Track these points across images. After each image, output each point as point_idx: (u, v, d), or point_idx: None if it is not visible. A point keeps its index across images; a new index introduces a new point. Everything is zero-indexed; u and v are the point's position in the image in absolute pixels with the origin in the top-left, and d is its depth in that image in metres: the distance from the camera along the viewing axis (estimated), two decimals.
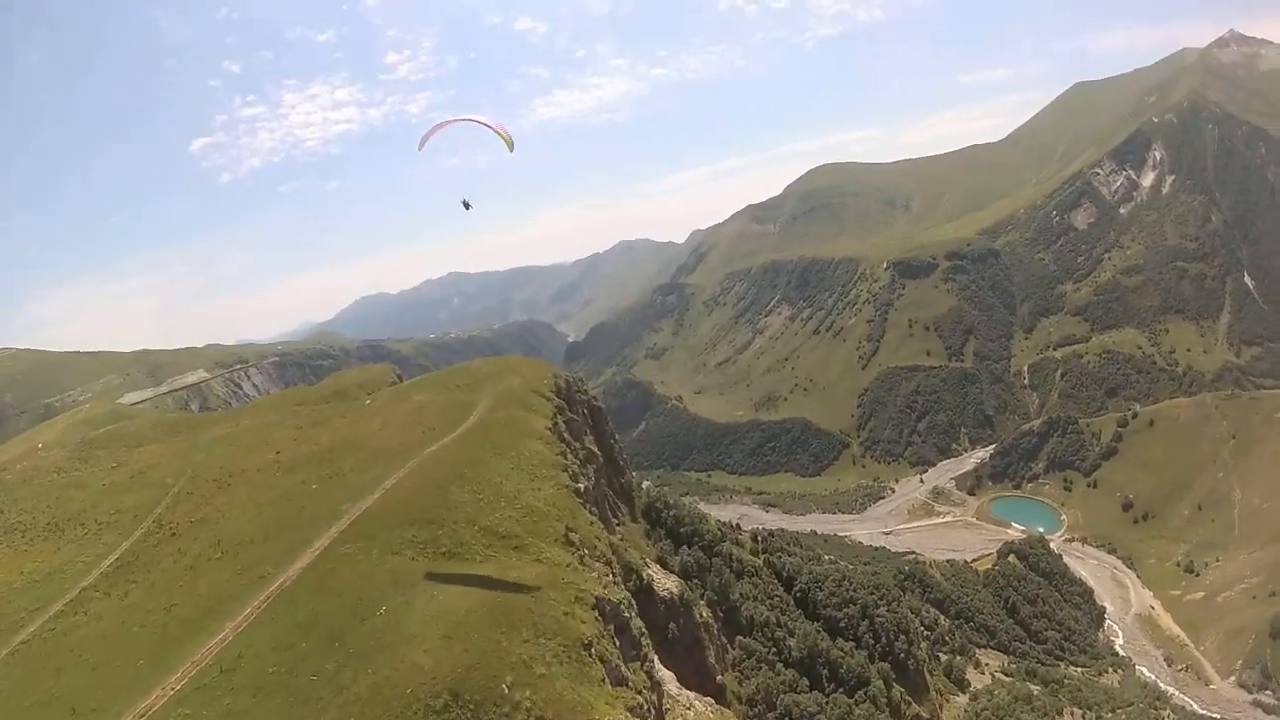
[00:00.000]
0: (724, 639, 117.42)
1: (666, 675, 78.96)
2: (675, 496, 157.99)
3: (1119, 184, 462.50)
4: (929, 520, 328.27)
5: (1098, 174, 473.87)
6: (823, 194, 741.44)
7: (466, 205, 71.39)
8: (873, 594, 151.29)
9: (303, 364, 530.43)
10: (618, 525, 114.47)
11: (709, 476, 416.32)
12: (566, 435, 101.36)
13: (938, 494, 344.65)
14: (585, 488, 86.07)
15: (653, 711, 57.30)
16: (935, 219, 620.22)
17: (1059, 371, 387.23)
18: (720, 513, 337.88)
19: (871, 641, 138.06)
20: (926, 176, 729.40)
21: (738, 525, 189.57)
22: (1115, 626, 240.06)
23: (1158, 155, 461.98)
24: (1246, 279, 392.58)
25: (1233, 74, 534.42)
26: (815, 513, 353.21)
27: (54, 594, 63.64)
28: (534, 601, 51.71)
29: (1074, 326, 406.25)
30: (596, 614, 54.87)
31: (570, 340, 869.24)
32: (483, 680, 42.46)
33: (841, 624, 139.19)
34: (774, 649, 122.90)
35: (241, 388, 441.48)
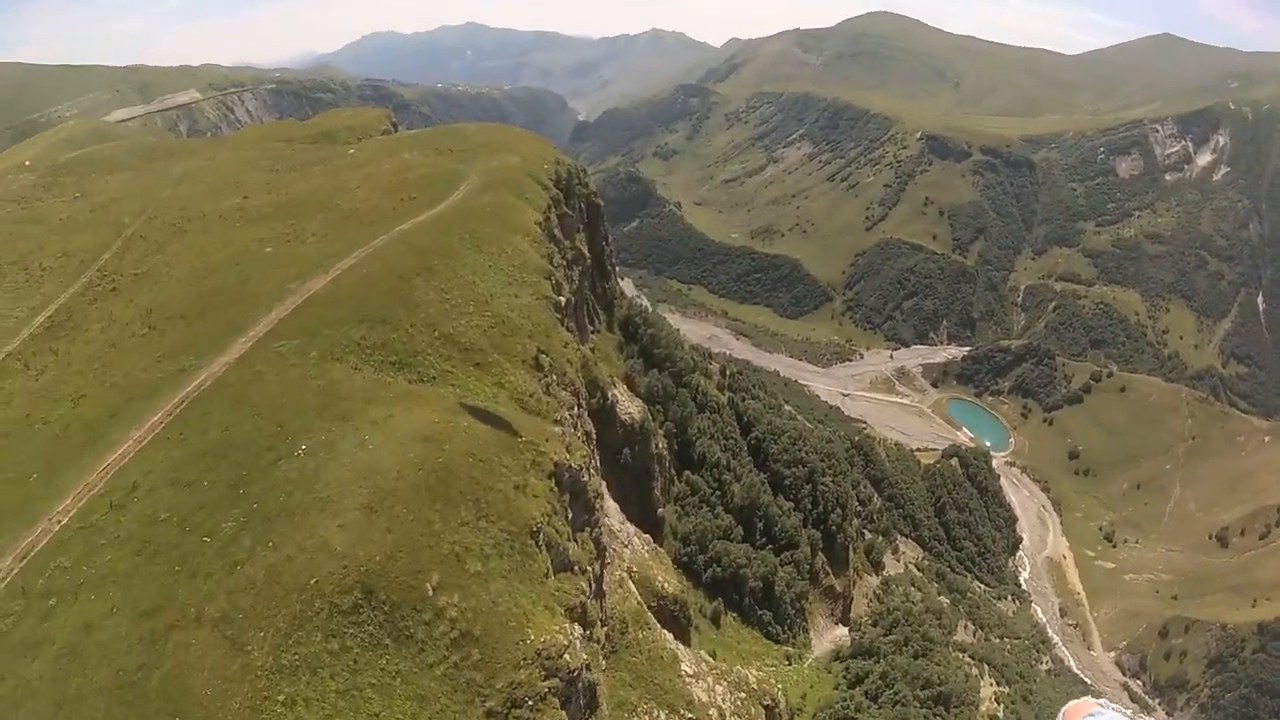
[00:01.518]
0: (673, 470, 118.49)
1: (612, 507, 78.34)
2: (656, 314, 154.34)
3: (1174, 151, 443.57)
4: (887, 396, 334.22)
5: (1156, 131, 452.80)
6: (874, 40, 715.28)
7: None
8: (823, 460, 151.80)
9: (300, 95, 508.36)
10: (593, 332, 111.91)
11: (689, 290, 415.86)
12: (557, 232, 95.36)
13: (902, 374, 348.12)
14: (567, 301, 79.81)
15: (593, 584, 53.90)
16: (980, 107, 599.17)
17: (1053, 303, 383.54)
18: (693, 329, 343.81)
19: (810, 506, 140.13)
20: (984, 61, 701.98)
21: (709, 353, 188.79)
22: (1026, 560, 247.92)
23: (1221, 141, 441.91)
24: (1260, 299, 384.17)
25: None
26: (783, 354, 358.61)
27: None
28: (481, 469, 45.03)
29: (1082, 267, 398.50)
30: (553, 483, 49.37)
31: (580, 119, 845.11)
32: (404, 576, 36.66)
33: (786, 482, 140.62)
34: (718, 491, 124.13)
35: (234, 112, 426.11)
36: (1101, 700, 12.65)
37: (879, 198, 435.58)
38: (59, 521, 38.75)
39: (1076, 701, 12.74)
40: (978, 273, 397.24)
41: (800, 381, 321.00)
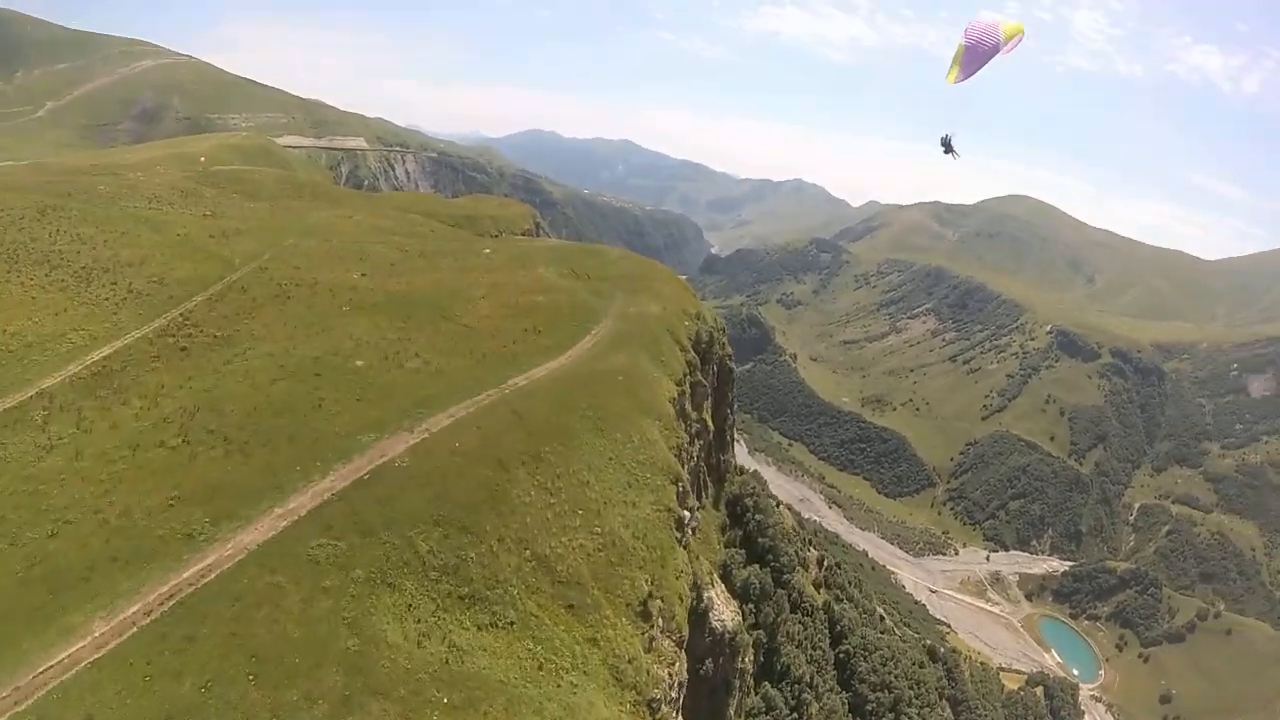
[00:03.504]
0: (751, 680, 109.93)
1: None
2: (766, 499, 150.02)
3: None
4: (977, 600, 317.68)
5: None
6: (1013, 223, 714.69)
7: (947, 147, 59.15)
8: (911, 688, 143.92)
9: (456, 169, 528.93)
10: (698, 509, 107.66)
11: (790, 445, 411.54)
12: (688, 406, 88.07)
13: (996, 580, 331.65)
14: (690, 518, 70.23)
15: None
16: (1112, 305, 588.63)
17: (1166, 527, 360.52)
18: (787, 487, 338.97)
19: None
20: (1120, 257, 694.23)
21: (809, 539, 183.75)
22: None
23: None
24: None
25: None
26: (875, 533, 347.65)
27: (10, 383, 54.05)
28: None
29: (1202, 490, 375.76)
30: None
31: (713, 251, 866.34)
32: None
33: (869, 707, 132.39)
34: (794, 709, 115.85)
35: (394, 169, 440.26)
36: None
37: (1000, 387, 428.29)
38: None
39: None
40: (1092, 483, 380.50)
41: (889, 568, 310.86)
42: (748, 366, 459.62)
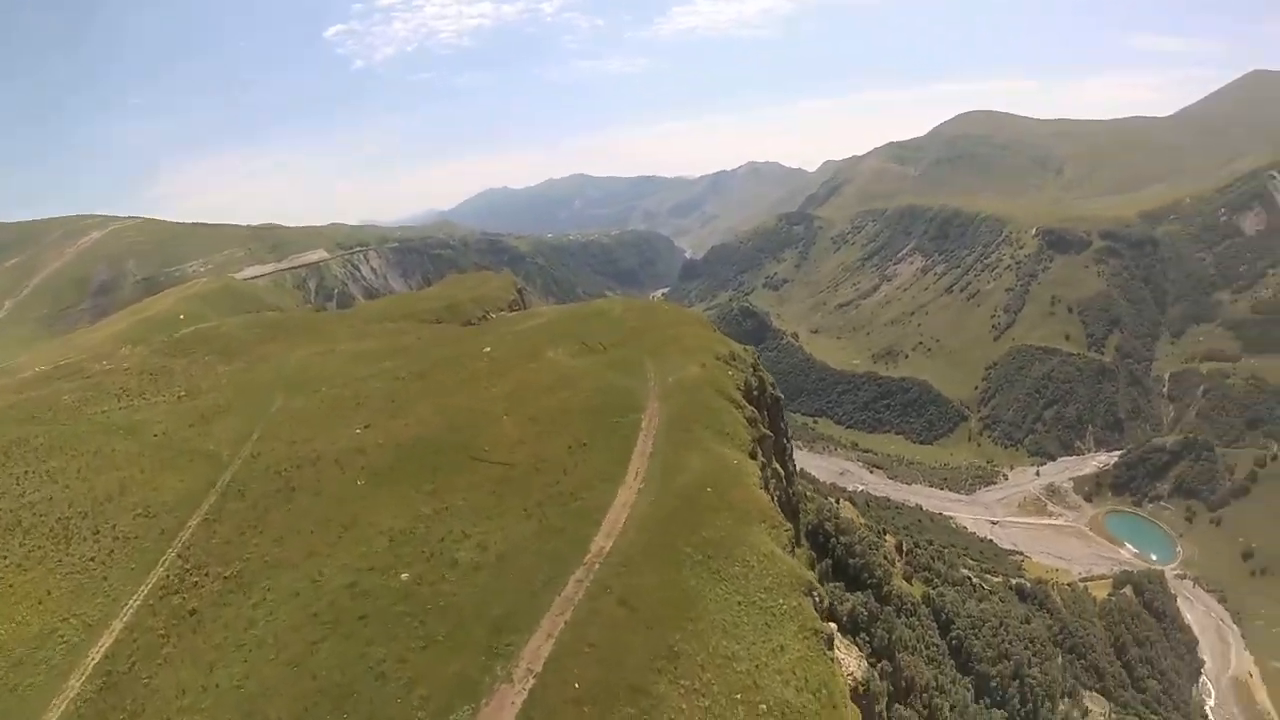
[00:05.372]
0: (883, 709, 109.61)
1: None
2: (846, 519, 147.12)
3: None
4: (1039, 519, 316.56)
5: (1274, 178, 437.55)
6: (970, 142, 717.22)
7: None
8: (1027, 648, 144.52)
9: (421, 251, 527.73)
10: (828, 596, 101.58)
11: (815, 423, 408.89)
12: (768, 473, 78.10)
13: (1052, 492, 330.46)
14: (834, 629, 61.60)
15: None
16: (1088, 190, 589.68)
17: (1201, 388, 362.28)
18: (823, 465, 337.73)
19: (1017, 705, 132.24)
20: (1082, 141, 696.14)
21: (882, 530, 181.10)
22: (1209, 685, 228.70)
23: None
24: None
25: None
26: (921, 484, 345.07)
27: None
28: None
29: (1224, 341, 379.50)
30: None
31: (688, 256, 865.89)
32: None
33: (994, 684, 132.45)
34: (928, 717, 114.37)
35: (359, 270, 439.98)
36: None
37: (1003, 303, 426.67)
38: None
39: None
40: (1118, 368, 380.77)
41: (945, 514, 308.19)
42: (743, 347, 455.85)
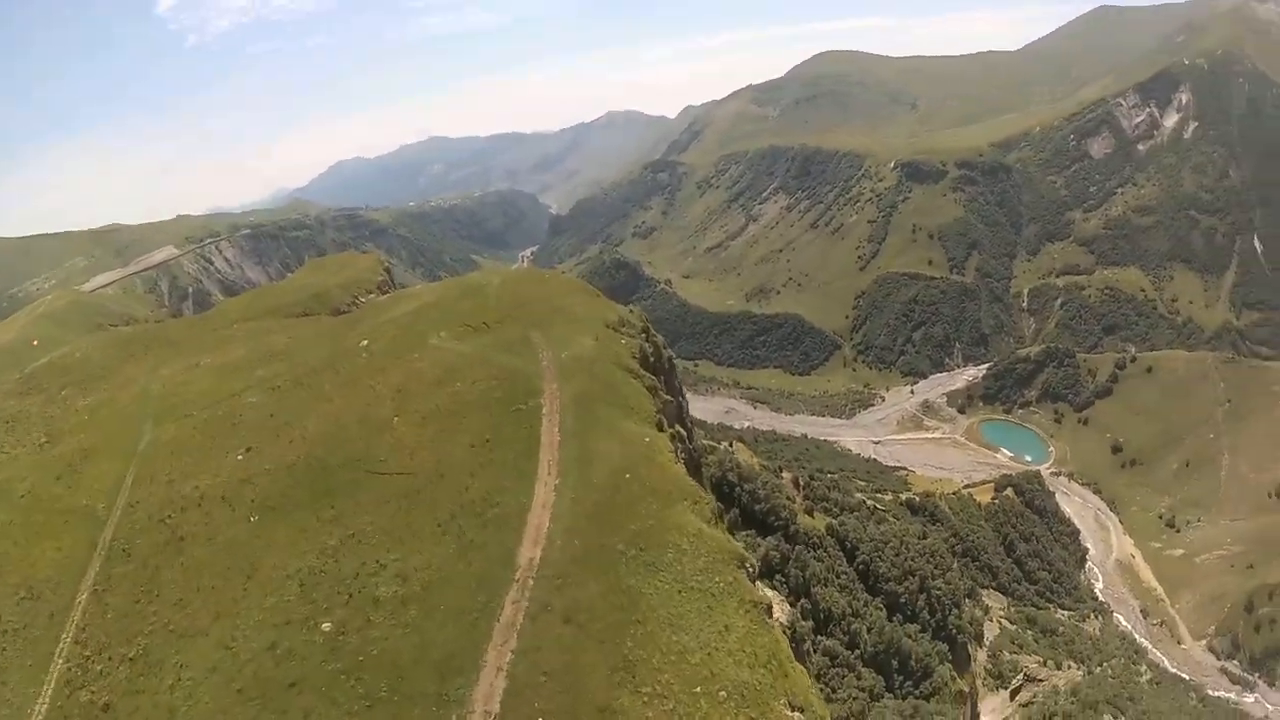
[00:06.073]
0: (810, 646, 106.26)
1: None
2: (747, 465, 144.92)
3: (1141, 120, 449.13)
4: (918, 434, 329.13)
5: (1120, 105, 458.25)
6: (827, 81, 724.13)
7: None
8: (929, 561, 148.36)
9: (276, 236, 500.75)
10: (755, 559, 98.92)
11: (696, 366, 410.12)
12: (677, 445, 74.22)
13: (927, 408, 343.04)
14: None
15: None
16: (942, 122, 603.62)
17: (1059, 300, 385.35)
18: (707, 405, 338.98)
19: (927, 616, 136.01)
20: (936, 76, 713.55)
21: (779, 469, 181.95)
22: (1096, 570, 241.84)
23: (1184, 99, 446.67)
24: (1256, 242, 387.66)
25: (1268, 31, 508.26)
26: (803, 413, 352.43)
27: None
28: None
29: (1079, 256, 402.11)
30: None
31: (553, 212, 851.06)
32: None
33: (903, 599, 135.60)
34: (848, 643, 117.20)
35: (213, 263, 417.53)
36: None
37: (866, 235, 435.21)
38: None
39: None
40: (979, 288, 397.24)
41: (829, 439, 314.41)
42: (628, 309, 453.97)
